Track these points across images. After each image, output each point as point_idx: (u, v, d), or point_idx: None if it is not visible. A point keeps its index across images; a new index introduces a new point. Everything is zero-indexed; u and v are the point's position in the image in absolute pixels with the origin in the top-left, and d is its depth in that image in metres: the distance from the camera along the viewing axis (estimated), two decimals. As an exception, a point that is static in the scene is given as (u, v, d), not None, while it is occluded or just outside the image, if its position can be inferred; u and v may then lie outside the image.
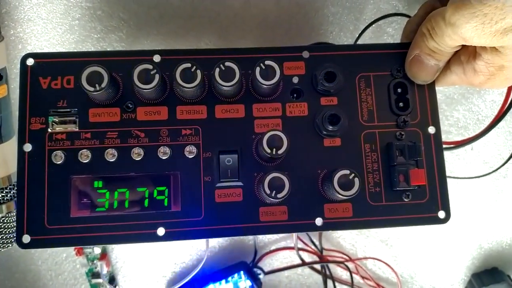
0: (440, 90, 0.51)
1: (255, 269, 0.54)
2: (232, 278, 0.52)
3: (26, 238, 0.32)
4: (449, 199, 0.35)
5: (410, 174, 0.34)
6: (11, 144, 0.45)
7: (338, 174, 0.32)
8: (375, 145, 0.35)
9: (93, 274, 0.54)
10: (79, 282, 0.55)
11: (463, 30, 0.29)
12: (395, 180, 0.34)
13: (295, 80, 0.35)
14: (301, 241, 0.54)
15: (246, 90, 0.35)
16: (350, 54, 0.36)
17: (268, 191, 0.31)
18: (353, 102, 0.35)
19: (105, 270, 0.53)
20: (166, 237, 0.33)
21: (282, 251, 0.55)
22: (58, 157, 0.33)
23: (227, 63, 0.32)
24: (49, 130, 0.33)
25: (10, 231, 0.44)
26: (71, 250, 0.53)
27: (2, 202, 0.43)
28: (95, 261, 0.53)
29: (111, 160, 0.33)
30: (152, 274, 0.55)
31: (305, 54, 0.36)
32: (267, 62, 0.33)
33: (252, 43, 0.38)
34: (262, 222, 0.34)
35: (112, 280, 0.55)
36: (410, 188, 0.34)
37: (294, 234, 0.49)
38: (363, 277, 0.56)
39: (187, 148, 0.33)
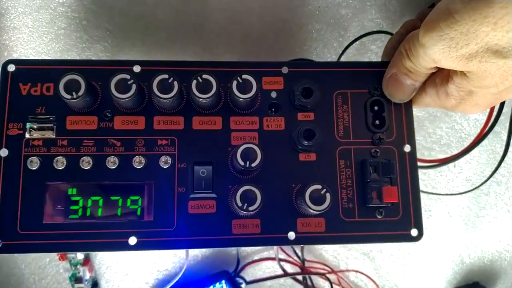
0: (423, 108, 0.51)
1: (237, 279, 0.53)
2: (213, 287, 0.51)
3: None
4: (422, 217, 0.34)
5: (383, 191, 0.33)
6: None
7: (310, 189, 0.31)
8: (349, 161, 0.34)
9: (76, 279, 0.53)
10: (63, 287, 0.54)
11: (432, 51, 0.29)
12: (368, 197, 0.33)
13: (273, 95, 0.35)
14: (284, 252, 0.54)
15: (224, 102, 0.34)
16: (328, 71, 0.36)
17: (239, 204, 0.31)
18: (329, 118, 0.35)
19: (87, 276, 0.52)
20: (138, 246, 0.32)
21: (264, 262, 0.55)
22: (34, 163, 0.32)
23: (204, 76, 0.32)
24: (27, 136, 0.32)
25: None
26: (54, 255, 0.52)
27: None
28: (78, 266, 0.52)
29: (86, 168, 0.32)
30: (135, 280, 0.54)
31: (284, 70, 0.35)
32: (244, 76, 0.32)
33: (237, 57, 0.37)
34: (235, 235, 0.33)
35: (95, 285, 0.54)
36: (383, 205, 0.33)
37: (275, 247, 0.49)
38: None
39: (162, 159, 0.33)
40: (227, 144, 0.34)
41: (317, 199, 0.31)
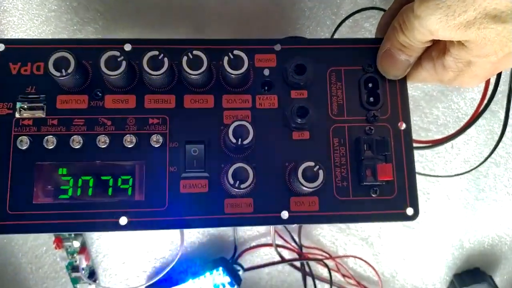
0: (419, 87, 0.50)
1: (234, 265, 0.53)
2: (211, 274, 0.50)
3: None
4: (418, 196, 0.33)
5: (378, 169, 0.32)
6: None
7: (303, 166, 0.31)
8: (343, 139, 0.34)
9: (73, 268, 0.53)
10: (60, 276, 0.54)
11: (428, 22, 0.28)
12: (363, 175, 0.32)
13: (266, 72, 0.34)
14: (281, 238, 0.53)
15: (216, 81, 0.34)
16: (322, 48, 0.35)
17: (231, 181, 0.30)
18: (323, 95, 0.34)
19: (84, 264, 0.52)
20: (129, 227, 0.32)
21: (262, 248, 0.54)
22: (24, 143, 0.31)
23: (194, 52, 0.31)
24: (16, 115, 0.32)
25: None
26: (50, 243, 0.52)
27: None
28: (74, 255, 0.52)
29: (76, 147, 0.32)
30: (132, 268, 0.54)
31: (277, 47, 0.35)
32: (235, 52, 0.32)
33: (229, 37, 0.37)
34: (227, 214, 0.32)
35: (92, 274, 0.54)
36: (378, 183, 0.33)
37: (272, 231, 0.48)
38: (343, 275, 0.55)
39: (154, 138, 0.32)
40: (220, 123, 0.33)
41: (310, 176, 0.31)
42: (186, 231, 0.53)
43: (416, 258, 0.55)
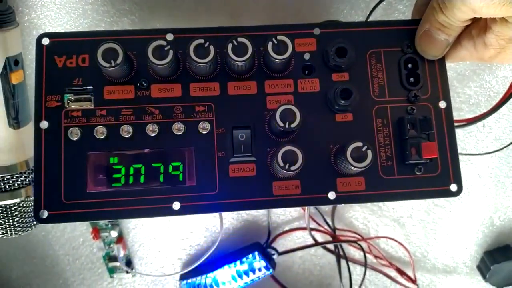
0: (451, 67, 0.50)
1: (269, 250, 0.52)
2: (246, 259, 0.50)
3: (44, 213, 0.31)
4: (461, 172, 0.34)
5: (422, 147, 0.33)
6: (28, 129, 0.44)
7: (351, 147, 0.31)
8: (386, 120, 0.34)
9: (110, 258, 0.54)
10: (96, 266, 0.54)
11: (472, 0, 0.28)
12: (407, 153, 0.33)
13: (307, 56, 0.34)
14: (314, 221, 0.53)
15: (258, 67, 0.34)
16: (360, 30, 0.35)
17: (281, 164, 0.30)
18: (364, 77, 0.34)
19: (121, 253, 0.53)
20: (181, 211, 0.32)
21: (295, 232, 0.54)
22: (74, 134, 0.32)
23: (239, 39, 0.31)
24: (65, 107, 0.32)
25: (29, 215, 0.44)
26: (88, 234, 0.53)
27: (21, 186, 0.42)
28: (111, 245, 0.53)
29: (126, 136, 0.32)
30: (167, 256, 0.54)
31: (316, 31, 0.35)
32: (279, 37, 0.31)
33: (264, 23, 0.37)
34: (276, 196, 0.33)
35: (128, 263, 0.55)
36: (422, 161, 0.33)
37: (306, 214, 0.48)
38: (376, 256, 0.55)
39: (201, 125, 0.33)
40: (263, 108, 0.33)
41: (359, 156, 0.31)
42: (216, 215, 0.53)
43: (447, 237, 0.55)
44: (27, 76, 0.44)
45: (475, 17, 0.31)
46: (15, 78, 0.41)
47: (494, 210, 0.54)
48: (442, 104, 0.34)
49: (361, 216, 0.54)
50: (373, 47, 0.35)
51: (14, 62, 0.42)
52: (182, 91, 0.33)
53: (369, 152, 0.31)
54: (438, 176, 0.34)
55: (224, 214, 0.54)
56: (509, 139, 0.51)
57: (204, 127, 0.33)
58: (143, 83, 0.33)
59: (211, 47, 0.31)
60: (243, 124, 0.33)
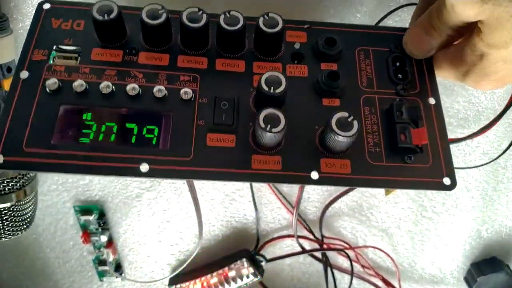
0: (440, 82, 0.50)
1: (257, 257, 0.52)
2: (235, 265, 0.50)
3: None
4: (454, 167, 0.31)
5: (412, 133, 0.31)
6: None
7: (336, 116, 0.29)
8: (374, 109, 0.33)
9: (100, 262, 0.53)
10: (86, 269, 0.54)
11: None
12: (397, 139, 0.30)
13: (297, 46, 0.34)
14: (304, 227, 0.53)
15: (248, 49, 0.34)
16: (350, 30, 0.35)
17: (262, 125, 0.28)
18: (352, 69, 0.34)
19: (111, 258, 0.52)
20: (150, 174, 0.29)
21: (284, 240, 0.54)
22: (52, 85, 0.30)
23: (232, 12, 0.31)
24: (50, 62, 0.31)
25: (20, 219, 0.44)
26: (78, 238, 0.52)
27: (11, 191, 0.42)
28: (101, 249, 0.52)
29: (104, 93, 0.30)
30: (157, 262, 0.55)
31: (307, 26, 0.35)
32: (270, 15, 0.32)
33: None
34: (255, 170, 0.30)
35: (118, 267, 0.55)
36: (412, 148, 0.31)
37: (294, 220, 0.44)
38: (363, 266, 0.54)
39: (183, 91, 0.31)
40: (250, 85, 0.32)
41: (344, 125, 0.29)
42: (208, 224, 0.54)
43: (434, 249, 0.54)
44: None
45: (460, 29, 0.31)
46: (7, 85, 0.40)
47: (481, 222, 0.53)
48: (432, 101, 0.33)
49: (350, 226, 0.53)
50: (362, 45, 0.35)
51: (7, 69, 0.42)
52: (169, 61, 0.33)
53: (355, 122, 0.29)
54: (429, 168, 0.31)
55: (212, 222, 0.54)
56: (496, 154, 0.49)
57: (186, 93, 0.31)
58: (133, 50, 0.32)
59: (204, 15, 0.31)
60: (227, 96, 0.32)
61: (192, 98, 0.32)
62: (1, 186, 0.42)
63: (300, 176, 0.30)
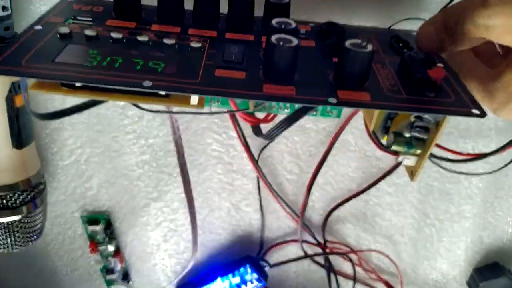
0: None
1: (261, 262, 0.50)
2: (238, 272, 0.50)
3: None
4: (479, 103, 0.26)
5: (428, 72, 0.26)
6: (30, 149, 0.41)
7: (350, 41, 0.25)
8: (385, 65, 0.29)
9: (107, 270, 0.53)
10: (93, 278, 0.55)
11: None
12: (414, 73, 0.26)
13: (302, 31, 0.32)
14: (306, 232, 0.51)
15: (257, 30, 0.32)
16: (350, 26, 0.35)
17: (275, 42, 0.24)
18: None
19: (118, 266, 0.52)
20: (153, 87, 0.24)
21: (288, 247, 0.53)
22: (64, 28, 0.27)
23: None
24: (64, 24, 0.29)
25: (30, 230, 0.43)
26: (86, 247, 0.51)
27: (22, 204, 0.41)
28: (109, 258, 0.51)
29: (115, 37, 0.27)
30: (163, 270, 0.55)
31: (311, 24, 0.35)
32: None
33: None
34: (266, 92, 0.24)
35: (125, 275, 0.54)
36: (431, 82, 0.26)
37: (298, 228, 0.46)
38: (365, 270, 0.52)
39: (193, 42, 0.29)
40: (259, 47, 0.30)
41: (359, 46, 0.25)
42: (212, 232, 0.52)
43: (437, 254, 0.53)
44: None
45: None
46: (19, 101, 0.38)
47: (483, 228, 0.51)
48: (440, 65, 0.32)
49: (354, 234, 0.51)
50: (364, 33, 0.33)
51: (18, 86, 0.44)
52: (181, 30, 0.30)
53: (370, 45, 0.25)
54: (454, 101, 0.25)
55: (219, 230, 0.52)
56: (498, 161, 0.46)
57: (196, 43, 0.28)
58: (146, 23, 0.31)
59: None
60: (237, 45, 0.29)
61: (202, 49, 0.28)
62: (13, 200, 0.40)
63: (317, 100, 0.24)
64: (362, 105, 0.25)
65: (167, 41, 0.28)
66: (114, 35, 0.27)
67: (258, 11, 0.32)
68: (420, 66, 0.27)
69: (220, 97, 0.25)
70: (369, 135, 0.31)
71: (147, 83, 0.24)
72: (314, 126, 0.45)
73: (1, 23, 0.35)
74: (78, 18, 0.31)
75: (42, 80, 0.24)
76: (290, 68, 0.25)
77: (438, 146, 0.38)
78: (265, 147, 0.45)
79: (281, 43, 0.25)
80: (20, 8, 0.37)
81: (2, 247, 0.41)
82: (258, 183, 0.47)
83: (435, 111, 0.25)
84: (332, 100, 0.24)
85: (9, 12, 0.35)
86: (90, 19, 0.30)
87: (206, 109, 0.28)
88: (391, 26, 0.38)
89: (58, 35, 0.27)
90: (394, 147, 0.29)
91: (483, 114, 0.25)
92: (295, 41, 0.24)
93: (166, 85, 0.24)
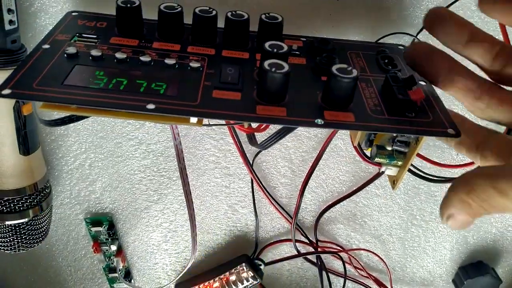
0: None
1: (256, 261, 0.53)
2: (235, 270, 0.52)
3: (6, 91, 0.25)
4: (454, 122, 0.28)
5: (409, 93, 0.29)
6: (36, 155, 0.43)
7: (336, 66, 0.27)
8: (370, 84, 0.31)
9: (110, 269, 0.55)
10: (97, 277, 0.57)
11: None
12: (395, 95, 0.29)
13: (294, 47, 0.34)
14: (300, 232, 0.54)
15: (251, 46, 0.34)
16: (340, 40, 0.37)
17: (267, 68, 0.26)
18: (345, 61, 0.34)
19: (121, 266, 0.54)
20: (156, 110, 0.26)
21: (282, 246, 0.56)
22: (71, 48, 0.29)
23: (238, 11, 0.33)
24: (71, 41, 0.31)
25: (36, 233, 0.45)
26: (89, 248, 0.53)
27: (29, 207, 0.43)
28: (111, 257, 0.54)
29: (119, 57, 0.29)
30: (164, 269, 0.57)
31: (303, 39, 0.37)
32: (271, 14, 0.33)
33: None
34: (259, 114, 0.27)
35: (127, 274, 0.57)
36: (411, 104, 0.28)
37: (292, 227, 0.49)
38: (355, 267, 0.55)
39: (192, 63, 0.31)
40: (253, 65, 0.33)
41: (344, 71, 0.27)
42: (212, 233, 0.55)
43: (424, 254, 0.56)
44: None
45: None
46: (26, 110, 0.40)
47: (468, 229, 0.53)
48: (422, 83, 0.32)
49: (344, 233, 0.54)
50: (353, 50, 0.36)
51: None
52: (180, 48, 0.32)
53: (355, 70, 0.27)
54: (432, 122, 0.27)
55: (216, 231, 0.54)
56: None
57: (195, 64, 0.31)
58: (148, 40, 0.33)
59: (214, 11, 0.32)
60: (233, 65, 0.31)
61: (201, 68, 0.30)
62: (20, 203, 0.42)
63: (305, 121, 0.27)
64: (346, 126, 0.27)
65: (168, 61, 0.30)
66: (118, 55, 0.29)
67: (253, 26, 0.35)
68: (401, 88, 0.29)
69: (217, 119, 0.27)
70: (354, 147, 0.34)
71: (150, 106, 0.26)
72: (306, 133, 0.47)
73: (8, 36, 0.36)
74: (84, 35, 0.32)
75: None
76: (282, 91, 0.28)
77: (420, 156, 0.41)
78: (259, 152, 0.46)
79: (273, 69, 0.26)
80: (26, 21, 0.39)
81: (9, 248, 0.43)
82: (252, 186, 0.49)
83: (413, 131, 0.28)
84: (319, 121, 0.27)
85: (15, 25, 0.36)
86: (95, 36, 0.33)
87: (204, 120, 0.30)
88: (378, 40, 0.40)
89: (65, 55, 0.29)
90: (377, 159, 0.32)
91: (458, 134, 0.27)
92: (286, 67, 0.27)
93: (168, 108, 0.27)
